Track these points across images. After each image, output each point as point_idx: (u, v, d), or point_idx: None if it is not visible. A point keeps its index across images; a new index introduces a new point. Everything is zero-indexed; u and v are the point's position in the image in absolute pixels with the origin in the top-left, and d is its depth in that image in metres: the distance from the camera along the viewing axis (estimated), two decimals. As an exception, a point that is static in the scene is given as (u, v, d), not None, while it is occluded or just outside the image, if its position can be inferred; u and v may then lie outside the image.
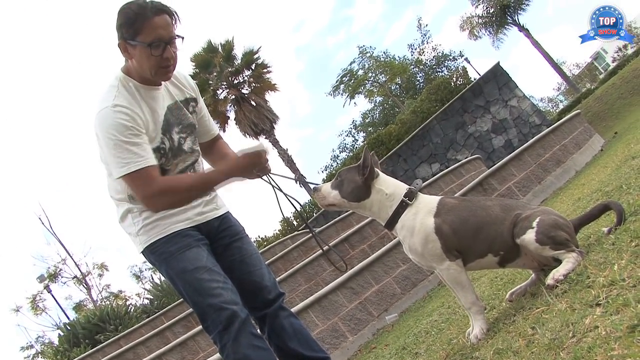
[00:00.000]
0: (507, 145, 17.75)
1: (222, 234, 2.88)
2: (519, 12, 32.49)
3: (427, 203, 2.55)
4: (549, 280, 2.23)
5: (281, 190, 2.88)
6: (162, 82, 2.77)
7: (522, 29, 32.69)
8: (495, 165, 8.79)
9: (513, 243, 2.41)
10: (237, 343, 2.61)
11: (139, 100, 2.67)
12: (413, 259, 2.59)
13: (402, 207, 2.54)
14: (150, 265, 2.86)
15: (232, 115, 25.64)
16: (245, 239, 2.96)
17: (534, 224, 2.35)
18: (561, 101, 56.26)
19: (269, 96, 25.80)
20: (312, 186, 2.97)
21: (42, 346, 26.42)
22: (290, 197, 2.89)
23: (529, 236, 2.34)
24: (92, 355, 10.77)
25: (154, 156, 2.65)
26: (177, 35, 2.65)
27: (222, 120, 25.26)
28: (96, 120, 2.62)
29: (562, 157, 9.05)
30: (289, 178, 2.94)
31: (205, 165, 2.99)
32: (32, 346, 30.85)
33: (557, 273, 2.24)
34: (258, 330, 2.79)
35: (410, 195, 2.56)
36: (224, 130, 25.10)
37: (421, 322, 4.29)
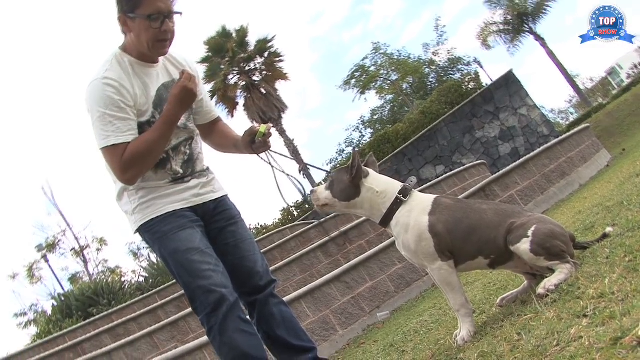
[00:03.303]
0: (514, 154, 17.73)
1: (217, 217, 2.89)
2: (537, 20, 32.35)
3: (423, 201, 2.56)
4: (540, 289, 2.24)
5: (283, 171, 2.90)
6: (161, 60, 2.79)
7: (538, 38, 32.55)
8: (499, 172, 8.78)
9: (505, 248, 2.42)
10: (224, 326, 2.62)
11: (131, 75, 2.69)
12: (406, 256, 2.60)
13: (396, 204, 2.56)
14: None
15: (241, 101, 25.67)
16: (241, 223, 2.97)
17: (529, 232, 2.35)
18: (572, 114, 56.05)
19: (280, 85, 25.87)
20: (314, 171, 3.00)
21: (36, 314, 26.49)
22: (292, 177, 2.90)
23: (524, 246, 2.34)
24: (84, 328, 10.81)
25: (146, 130, 2.69)
26: (176, 12, 2.67)
27: (231, 106, 25.30)
28: (86, 92, 2.66)
29: (567, 170, 9.04)
30: (289, 158, 2.95)
31: (203, 147, 3.01)
32: (25, 314, 31.02)
33: (549, 283, 2.24)
34: (247, 316, 2.81)
35: (405, 193, 2.57)
36: (232, 116, 25.14)
37: (411, 322, 4.30)
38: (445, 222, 2.47)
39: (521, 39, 33.08)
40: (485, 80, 23.86)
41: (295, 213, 20.35)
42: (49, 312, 14.74)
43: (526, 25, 32.35)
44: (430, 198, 2.58)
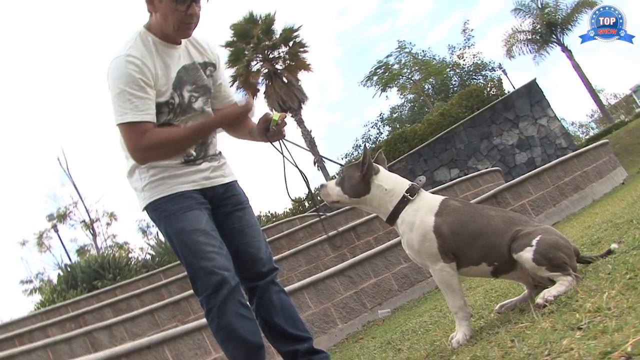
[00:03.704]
0: (530, 163, 17.64)
1: (225, 202, 2.91)
2: (565, 32, 32.09)
3: (430, 201, 2.57)
4: (539, 299, 2.25)
5: (293, 162, 2.91)
6: (183, 42, 2.82)
7: (565, 49, 32.30)
8: (513, 180, 8.75)
9: (509, 257, 2.42)
10: (223, 309, 2.65)
11: (153, 54, 2.71)
12: (409, 255, 2.62)
13: (403, 202, 2.57)
14: None
15: (262, 88, 25.73)
16: (248, 210, 2.99)
17: (534, 242, 2.35)
18: (592, 128, 55.64)
19: (302, 75, 25.92)
20: (330, 163, 3.00)
21: (41, 283, 26.79)
22: (300, 170, 2.91)
23: (527, 255, 2.35)
24: (87, 300, 10.91)
25: (164, 111, 2.72)
26: None
27: (252, 92, 25.37)
28: (108, 68, 2.68)
29: (581, 184, 8.99)
30: (303, 148, 2.95)
31: (218, 131, 3.02)
32: (31, 281, 31.38)
33: (548, 293, 2.25)
34: (247, 301, 2.83)
35: (412, 191, 2.58)
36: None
37: (411, 321, 4.32)
38: (451, 224, 2.47)
39: (548, 49, 32.85)
40: (508, 87, 23.73)
41: (306, 204, 20.37)
42: (55, 281, 14.90)
43: (554, 36, 32.11)
44: (438, 199, 2.58)
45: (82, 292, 12.65)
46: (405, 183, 2.63)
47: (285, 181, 2.97)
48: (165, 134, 2.68)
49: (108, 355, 4.38)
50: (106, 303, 9.40)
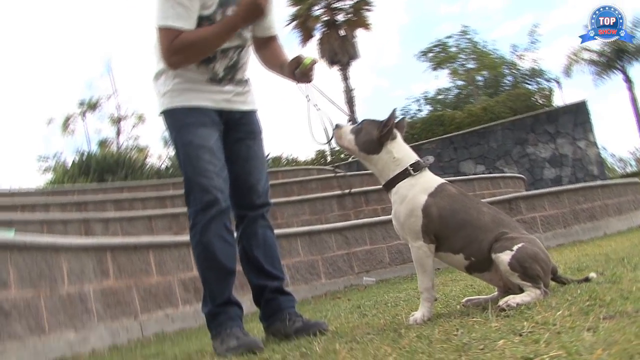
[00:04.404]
0: (556, 180, 17.51)
1: (239, 128, 2.96)
2: (632, 62, 31.33)
3: (428, 180, 2.60)
4: (501, 303, 2.30)
5: (316, 106, 2.92)
6: None
7: (627, 79, 31.61)
8: (531, 192, 8.72)
9: (488, 255, 2.46)
10: (207, 227, 2.73)
11: None
12: (394, 226, 2.67)
13: (404, 174, 2.61)
14: None
15: (317, 35, 25.55)
16: (258, 141, 3.04)
17: (515, 247, 2.39)
18: (631, 165, 54.72)
19: (360, 33, 25.63)
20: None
21: (56, 163, 27.19)
22: (324, 115, 2.92)
23: (504, 257, 2.39)
24: (94, 190, 11.16)
25: (203, 24, 2.75)
26: None
27: (306, 36, 25.25)
28: None
29: (598, 214, 8.92)
30: (327, 97, 2.96)
31: (252, 58, 3.06)
32: (48, 159, 31.98)
33: (512, 300, 2.30)
34: (233, 227, 2.91)
35: (416, 167, 2.62)
36: (304, 45, 25.07)
37: (388, 294, 4.40)
38: (441, 208, 2.51)
39: (609, 75, 32.14)
40: (557, 101, 23.36)
41: (329, 158, 20.41)
42: (69, 165, 15.17)
43: (619, 63, 31.40)
44: (437, 181, 2.62)
45: (91, 182, 12.91)
46: (413, 157, 2.66)
47: (310, 125, 3.00)
48: (196, 33, 2.72)
49: (95, 244, 4.51)
50: (111, 198, 9.61)
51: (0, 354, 3.46)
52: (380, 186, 2.72)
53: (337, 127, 2.78)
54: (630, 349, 1.22)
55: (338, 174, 8.02)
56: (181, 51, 2.70)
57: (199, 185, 2.74)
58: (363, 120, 2.75)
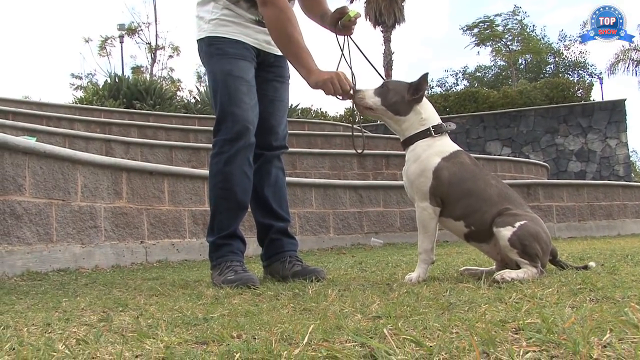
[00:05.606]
0: (580, 175, 17.37)
1: (271, 69, 3.02)
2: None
3: (445, 145, 2.62)
4: (497, 276, 2.33)
5: (349, 64, 2.90)
6: None
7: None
8: (552, 181, 8.67)
9: (488, 228, 2.49)
10: (233, 158, 2.78)
11: None
12: (404, 183, 2.70)
13: (424, 133, 2.63)
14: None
15: (367, -7, 25.22)
16: (286, 85, 3.09)
17: (517, 224, 2.41)
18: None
19: (409, -1, 25.23)
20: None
21: (88, 83, 27.38)
22: (354, 73, 2.90)
23: (505, 232, 2.41)
24: (121, 114, 11.26)
25: None
26: None
27: (356, -9, 24.91)
28: None
29: (614, 214, 8.87)
30: (363, 54, 2.94)
31: (296, 6, 3.07)
32: (81, 78, 32.18)
33: (508, 274, 2.33)
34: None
35: (437, 129, 2.63)
36: (351, 1, 24.74)
37: (392, 257, 4.45)
38: (452, 174, 2.53)
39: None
40: (596, 95, 23.01)
41: (358, 119, 20.30)
42: (101, 86, 15.26)
43: (666, 67, 30.69)
44: (453, 147, 2.63)
45: (119, 106, 13.01)
46: (437, 120, 2.68)
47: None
48: (294, 24, 2.73)
49: (112, 163, 4.58)
50: (136, 124, 9.71)
51: (8, 253, 3.56)
52: (403, 152, 2.73)
53: (359, 92, 2.72)
54: (605, 326, 1.24)
55: (360, 134, 7.97)
56: (279, 15, 2.71)
57: (232, 115, 2.78)
58: (386, 82, 2.75)
